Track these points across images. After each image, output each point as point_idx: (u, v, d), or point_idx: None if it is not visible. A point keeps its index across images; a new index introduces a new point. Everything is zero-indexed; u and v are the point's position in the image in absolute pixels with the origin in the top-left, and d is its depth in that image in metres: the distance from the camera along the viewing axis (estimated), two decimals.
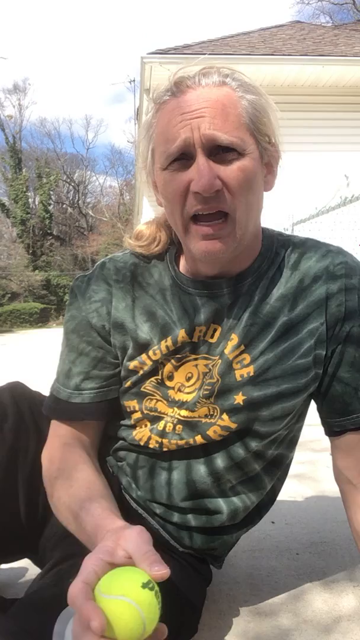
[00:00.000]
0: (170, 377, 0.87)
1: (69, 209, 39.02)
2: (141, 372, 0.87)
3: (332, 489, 1.16)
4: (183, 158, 0.76)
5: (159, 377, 0.88)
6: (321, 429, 0.94)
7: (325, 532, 1.42)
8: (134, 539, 0.62)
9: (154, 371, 0.87)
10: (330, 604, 1.08)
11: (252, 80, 0.80)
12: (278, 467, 0.97)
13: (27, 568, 1.21)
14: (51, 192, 34.13)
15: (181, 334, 0.85)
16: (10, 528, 0.94)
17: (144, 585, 0.57)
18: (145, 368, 0.87)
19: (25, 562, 1.09)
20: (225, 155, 0.75)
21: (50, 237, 34.24)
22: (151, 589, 0.57)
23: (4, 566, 1.03)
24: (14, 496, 0.94)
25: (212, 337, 0.86)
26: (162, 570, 0.58)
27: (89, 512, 0.75)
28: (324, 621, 1.02)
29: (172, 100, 0.77)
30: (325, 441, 0.95)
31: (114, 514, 0.73)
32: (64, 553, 0.85)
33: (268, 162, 0.83)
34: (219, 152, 0.75)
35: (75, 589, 0.55)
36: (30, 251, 31.22)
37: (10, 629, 0.67)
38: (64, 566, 0.82)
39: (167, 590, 0.69)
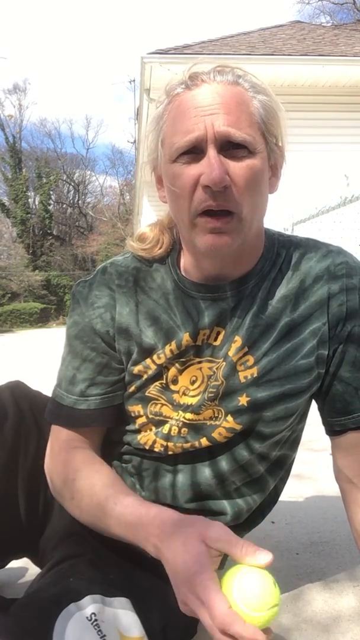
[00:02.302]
0: (175, 381, 0.87)
1: (69, 209, 39.02)
2: (145, 376, 0.87)
3: (332, 489, 1.15)
4: (193, 152, 0.75)
5: (164, 381, 0.87)
6: (321, 429, 0.94)
7: (325, 532, 1.42)
8: (220, 534, 0.65)
9: (158, 375, 0.87)
10: (330, 603, 1.08)
11: (263, 83, 0.80)
12: (281, 468, 0.97)
13: (27, 568, 1.21)
14: (51, 192, 34.18)
15: (185, 337, 0.84)
16: (10, 528, 0.94)
17: (275, 584, 0.61)
18: (149, 372, 0.86)
19: (25, 562, 1.09)
20: (236, 151, 0.75)
21: (50, 237, 34.24)
22: (275, 583, 0.61)
23: None
24: (14, 496, 0.93)
25: (215, 340, 0.86)
26: (268, 556, 0.62)
27: (119, 501, 0.77)
28: (324, 621, 1.02)
29: (186, 93, 0.77)
30: (325, 441, 0.95)
31: (145, 502, 0.78)
32: (64, 553, 0.85)
33: (274, 165, 0.83)
34: (230, 148, 0.75)
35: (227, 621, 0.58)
36: (30, 251, 31.22)
37: (10, 629, 0.67)
38: (64, 566, 0.81)
39: (167, 593, 0.69)
